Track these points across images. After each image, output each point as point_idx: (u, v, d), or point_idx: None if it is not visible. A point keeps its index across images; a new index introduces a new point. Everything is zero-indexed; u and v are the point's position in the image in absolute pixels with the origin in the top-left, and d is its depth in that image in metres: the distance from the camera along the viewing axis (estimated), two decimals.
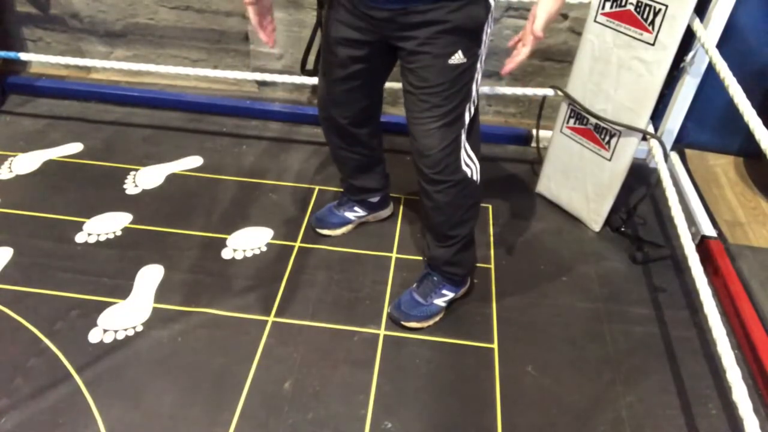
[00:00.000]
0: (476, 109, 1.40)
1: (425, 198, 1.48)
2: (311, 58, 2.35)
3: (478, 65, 1.32)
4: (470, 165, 1.43)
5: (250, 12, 1.29)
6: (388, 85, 1.56)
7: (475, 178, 1.46)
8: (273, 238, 1.84)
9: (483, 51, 1.31)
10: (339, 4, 1.33)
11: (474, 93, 1.35)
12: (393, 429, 1.37)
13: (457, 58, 1.26)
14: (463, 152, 1.40)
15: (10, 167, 2.06)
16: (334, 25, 1.38)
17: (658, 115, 2.13)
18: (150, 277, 1.68)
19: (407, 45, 1.29)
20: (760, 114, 1.33)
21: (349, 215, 1.85)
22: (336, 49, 1.40)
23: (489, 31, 1.30)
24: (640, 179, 2.14)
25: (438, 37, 1.24)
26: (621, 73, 1.71)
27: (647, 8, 1.61)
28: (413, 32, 1.26)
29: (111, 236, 1.80)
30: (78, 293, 1.62)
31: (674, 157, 2.22)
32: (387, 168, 1.80)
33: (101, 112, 2.37)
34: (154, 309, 1.59)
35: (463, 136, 1.38)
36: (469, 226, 1.53)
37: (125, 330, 1.53)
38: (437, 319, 1.61)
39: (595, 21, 1.73)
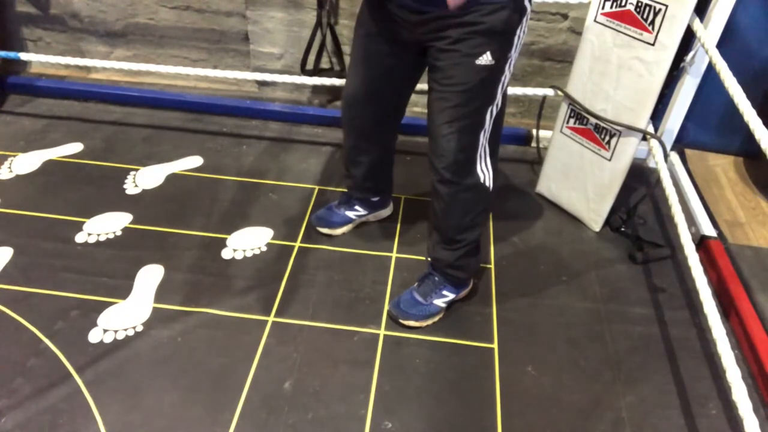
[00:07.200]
0: (500, 115, 1.38)
1: (436, 199, 1.48)
2: (311, 58, 2.35)
3: (506, 69, 1.31)
4: (485, 171, 1.43)
5: None
6: None
7: (487, 184, 1.45)
8: (273, 238, 1.84)
9: (513, 55, 1.31)
10: (377, 1, 1.33)
11: (498, 97, 1.34)
12: (393, 429, 1.37)
13: (485, 59, 1.26)
14: (479, 156, 1.39)
15: (10, 167, 2.06)
16: (371, 22, 1.38)
17: (658, 115, 2.13)
18: (150, 277, 1.68)
19: (438, 44, 1.29)
20: (760, 114, 1.33)
21: (350, 214, 1.85)
22: (370, 45, 1.41)
23: (522, 35, 1.29)
24: (640, 179, 2.14)
25: (469, 37, 1.24)
26: (621, 73, 1.71)
27: (647, 8, 1.61)
28: (446, 32, 1.26)
29: (111, 236, 1.80)
30: (78, 293, 1.62)
31: (674, 157, 2.22)
32: (392, 171, 1.80)
33: (101, 112, 2.37)
34: (154, 309, 1.59)
35: (482, 140, 1.37)
36: (476, 232, 1.53)
37: (125, 330, 1.53)
38: (436, 319, 1.61)
39: (595, 21, 1.73)
